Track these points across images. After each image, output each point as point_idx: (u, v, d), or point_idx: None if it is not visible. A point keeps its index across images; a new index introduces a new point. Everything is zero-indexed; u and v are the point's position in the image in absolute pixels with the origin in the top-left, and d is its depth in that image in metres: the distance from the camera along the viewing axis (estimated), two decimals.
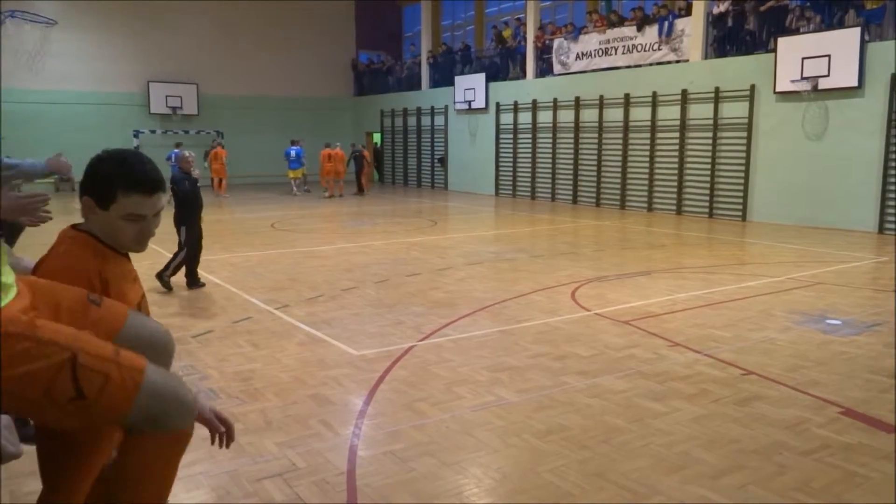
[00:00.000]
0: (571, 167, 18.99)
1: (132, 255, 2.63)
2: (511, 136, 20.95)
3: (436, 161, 24.44)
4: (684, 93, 15.98)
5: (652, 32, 16.76)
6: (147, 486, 2.10)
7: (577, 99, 18.55)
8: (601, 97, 17.91)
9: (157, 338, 2.42)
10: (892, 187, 12.80)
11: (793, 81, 13.76)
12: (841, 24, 13.65)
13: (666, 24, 16.34)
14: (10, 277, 1.98)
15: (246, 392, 4.84)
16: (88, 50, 24.02)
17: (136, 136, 24.80)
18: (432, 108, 24.30)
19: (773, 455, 3.82)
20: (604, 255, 10.87)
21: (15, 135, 22.31)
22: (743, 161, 15.01)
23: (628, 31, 17.37)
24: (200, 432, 4.13)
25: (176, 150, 21.40)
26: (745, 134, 14.93)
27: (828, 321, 6.72)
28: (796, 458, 3.78)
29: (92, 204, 2.26)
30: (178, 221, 8.27)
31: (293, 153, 22.33)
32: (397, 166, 26.76)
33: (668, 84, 16.39)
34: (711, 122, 15.52)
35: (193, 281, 8.32)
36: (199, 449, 3.93)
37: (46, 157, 3.52)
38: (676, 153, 16.32)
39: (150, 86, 24.92)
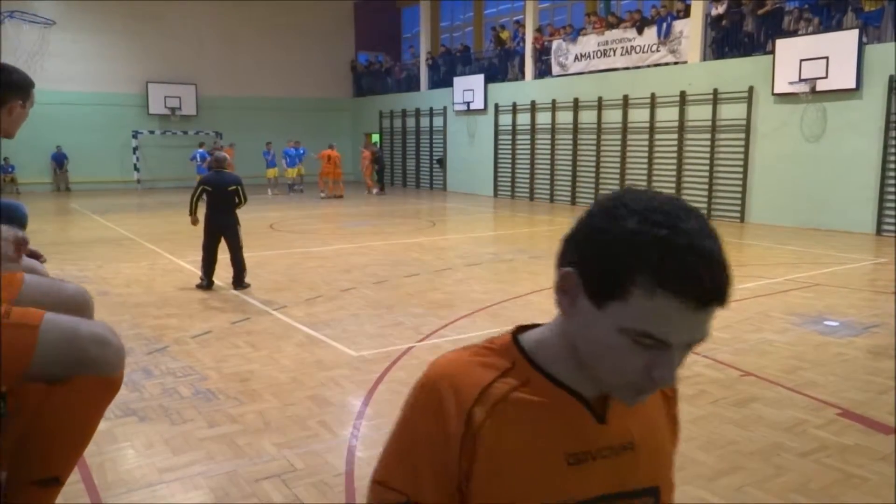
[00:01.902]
0: (570, 168, 18.99)
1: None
2: (510, 137, 20.95)
3: (434, 162, 24.45)
4: (683, 94, 15.99)
5: (650, 34, 16.78)
6: (68, 434, 2.04)
7: (576, 100, 18.56)
8: (600, 98, 17.91)
9: (72, 296, 2.39)
10: (891, 189, 12.81)
11: (791, 83, 13.77)
12: (839, 27, 13.66)
13: (664, 25, 16.36)
14: None
15: (244, 393, 4.83)
16: (87, 50, 24.01)
17: (134, 136, 24.78)
18: (431, 109, 24.30)
19: (771, 456, 3.82)
20: None
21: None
22: (741, 162, 15.02)
23: (627, 32, 17.38)
24: (198, 433, 4.15)
25: (201, 150, 21.24)
26: (743, 135, 14.94)
27: (826, 322, 6.73)
28: (794, 459, 3.79)
29: (570, 286, 0.96)
30: (228, 223, 8.23)
31: (271, 155, 22.44)
32: (396, 167, 26.75)
33: (666, 85, 16.40)
34: (710, 123, 15.53)
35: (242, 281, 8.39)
36: (197, 449, 3.93)
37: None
38: (675, 155, 16.33)
39: (148, 86, 24.90)
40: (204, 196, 8.21)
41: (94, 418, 2.12)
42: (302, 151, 22.67)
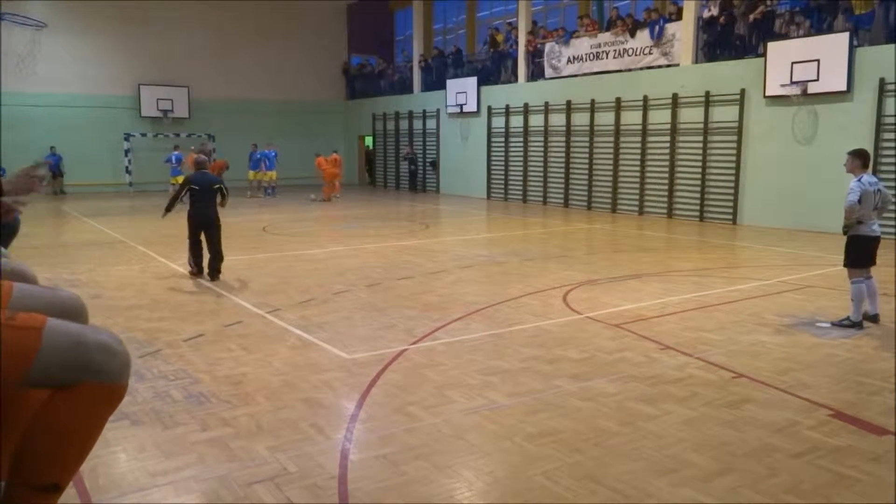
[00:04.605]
0: (563, 171, 19.03)
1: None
2: (503, 139, 20.97)
3: (427, 164, 24.45)
4: (675, 97, 16.04)
5: (643, 37, 16.83)
6: (70, 440, 2.06)
7: (569, 103, 18.60)
8: (592, 101, 17.96)
9: (66, 302, 2.41)
10: None
11: (782, 86, 13.83)
12: (830, 29, 13.74)
13: (656, 28, 16.42)
14: None
15: (237, 396, 4.82)
16: (79, 53, 23.90)
17: (126, 139, 24.68)
18: (424, 111, 24.30)
19: (764, 457, 3.83)
20: (595, 258, 10.89)
21: (4, 138, 22.18)
22: (733, 165, 15.08)
23: (619, 35, 17.42)
24: (190, 437, 4.14)
25: (176, 153, 21.22)
26: (735, 138, 15.00)
27: (818, 324, 6.75)
28: (787, 460, 3.80)
29: None
30: (208, 220, 8.98)
31: (258, 156, 22.37)
32: (389, 169, 26.75)
33: (658, 88, 16.45)
34: (702, 125, 15.58)
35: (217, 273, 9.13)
36: (189, 453, 3.92)
37: (38, 159, 3.42)
38: (667, 157, 16.38)
39: (140, 89, 24.80)
40: (188, 193, 9.01)
41: (96, 425, 2.14)
42: (273, 154, 22.51)
